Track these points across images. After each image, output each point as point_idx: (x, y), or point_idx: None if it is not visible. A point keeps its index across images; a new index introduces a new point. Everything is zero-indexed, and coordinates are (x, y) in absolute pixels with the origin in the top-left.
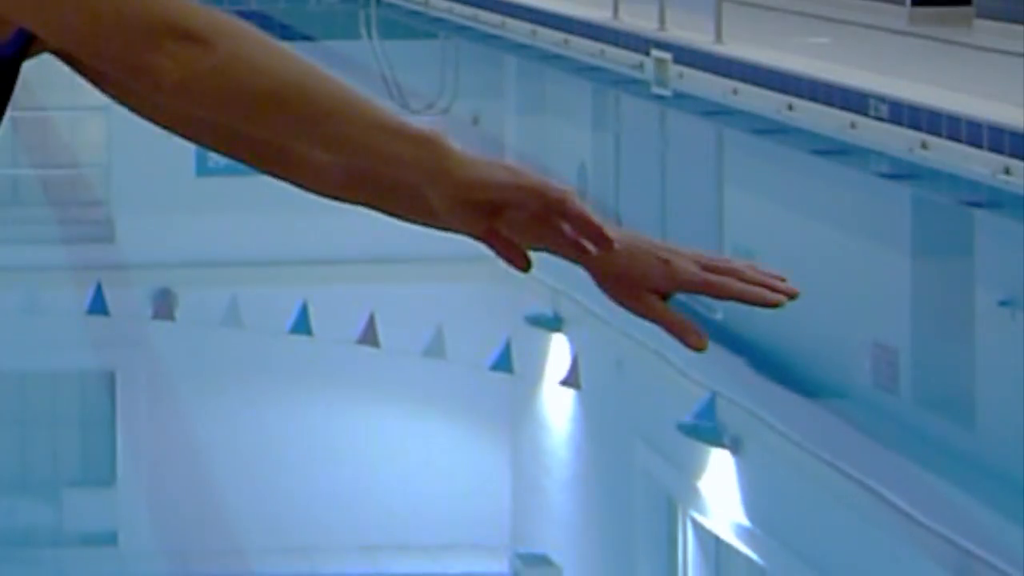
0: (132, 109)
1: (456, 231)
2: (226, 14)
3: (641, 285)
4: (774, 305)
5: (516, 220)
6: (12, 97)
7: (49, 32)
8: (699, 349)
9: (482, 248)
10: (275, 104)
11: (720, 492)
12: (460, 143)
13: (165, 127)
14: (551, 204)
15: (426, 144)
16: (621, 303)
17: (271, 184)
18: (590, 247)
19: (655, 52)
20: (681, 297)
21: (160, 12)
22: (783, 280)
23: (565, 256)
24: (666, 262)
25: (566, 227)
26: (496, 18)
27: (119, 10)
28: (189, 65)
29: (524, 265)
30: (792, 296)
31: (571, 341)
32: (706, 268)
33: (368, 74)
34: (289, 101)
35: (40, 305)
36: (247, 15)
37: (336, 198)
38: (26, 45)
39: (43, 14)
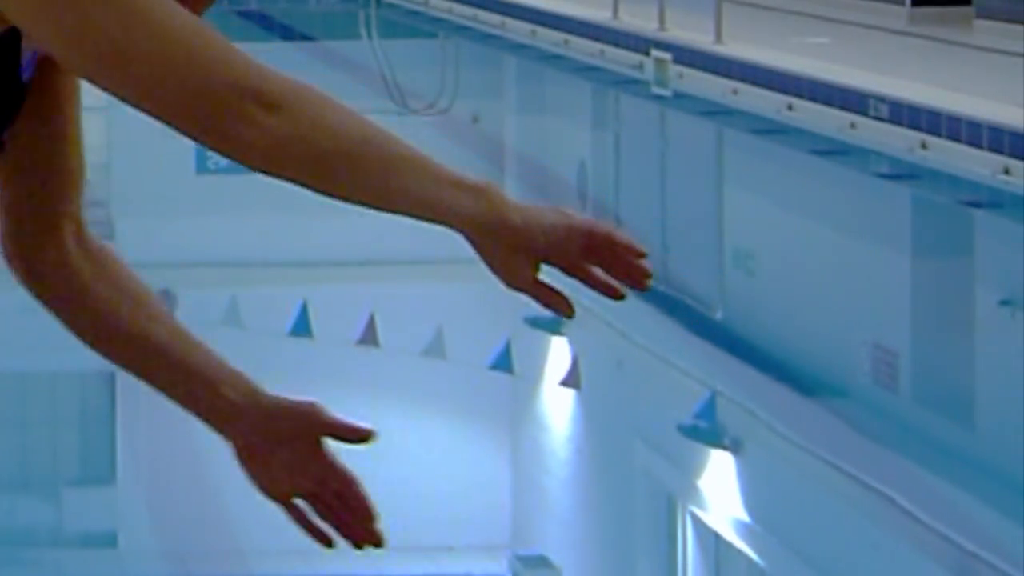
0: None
1: (504, 281)
2: (292, 77)
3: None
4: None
5: (562, 257)
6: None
7: (131, 94)
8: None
9: None
10: (348, 165)
11: (720, 492)
12: (460, 143)
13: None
14: (598, 238)
15: (484, 195)
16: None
17: (271, 184)
18: (625, 284)
19: (655, 52)
20: (679, 295)
21: (242, 79)
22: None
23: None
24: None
25: (598, 270)
26: (496, 18)
27: (205, 77)
28: (272, 133)
29: (570, 310)
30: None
31: (571, 342)
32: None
33: (368, 74)
34: (360, 161)
35: (40, 305)
36: (247, 15)
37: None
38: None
39: (128, 79)
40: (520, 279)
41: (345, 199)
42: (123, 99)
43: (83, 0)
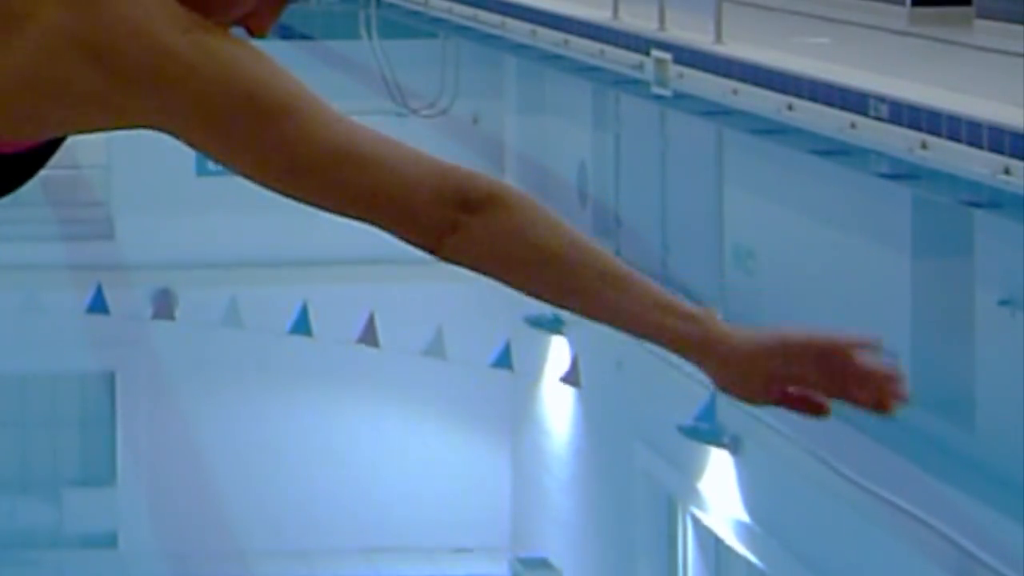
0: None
1: (740, 398)
2: (498, 180)
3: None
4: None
5: (801, 376)
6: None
7: (342, 210)
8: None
9: None
10: (555, 271)
11: (720, 493)
12: (460, 143)
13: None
14: (837, 351)
15: (695, 320)
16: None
17: None
18: (877, 404)
19: (655, 52)
20: (679, 296)
21: (443, 188)
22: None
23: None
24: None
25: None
26: (496, 18)
27: (409, 197)
28: (469, 234)
29: (825, 411)
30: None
31: (571, 342)
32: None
33: (368, 74)
34: (566, 270)
35: (40, 305)
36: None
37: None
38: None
39: (341, 204)
40: (761, 397)
41: (555, 303)
42: (335, 212)
43: (291, 140)
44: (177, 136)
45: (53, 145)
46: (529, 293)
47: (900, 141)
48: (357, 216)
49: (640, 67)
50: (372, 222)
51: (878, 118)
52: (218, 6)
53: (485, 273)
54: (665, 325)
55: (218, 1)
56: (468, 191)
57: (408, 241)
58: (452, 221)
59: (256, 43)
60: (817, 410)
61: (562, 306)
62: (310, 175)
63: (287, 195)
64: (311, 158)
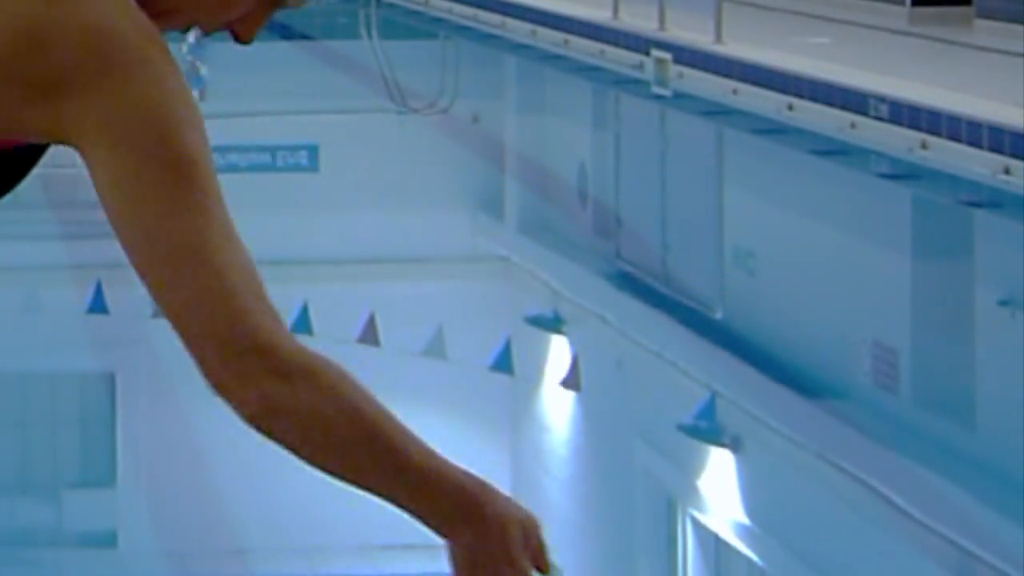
0: None
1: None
2: (317, 354)
3: None
4: None
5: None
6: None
7: (158, 295)
8: None
9: (481, 248)
10: (338, 454)
11: (720, 492)
12: (460, 143)
13: None
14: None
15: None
16: None
17: (271, 184)
18: None
19: (655, 52)
20: (679, 296)
21: (259, 335)
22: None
23: None
24: None
25: None
26: (496, 18)
27: (229, 318)
28: (269, 401)
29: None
30: None
31: (571, 341)
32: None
33: (368, 74)
34: (358, 461)
35: (40, 305)
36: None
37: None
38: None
39: (163, 285)
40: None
41: (343, 480)
42: (150, 291)
43: (165, 198)
44: (79, 149)
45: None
46: (313, 465)
47: (900, 141)
48: (169, 315)
49: (640, 67)
50: (186, 332)
51: (878, 118)
52: (209, 11)
53: (265, 434)
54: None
55: (209, 6)
56: (278, 353)
57: (204, 368)
58: (249, 374)
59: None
60: None
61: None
62: (157, 253)
63: (131, 261)
64: (169, 241)
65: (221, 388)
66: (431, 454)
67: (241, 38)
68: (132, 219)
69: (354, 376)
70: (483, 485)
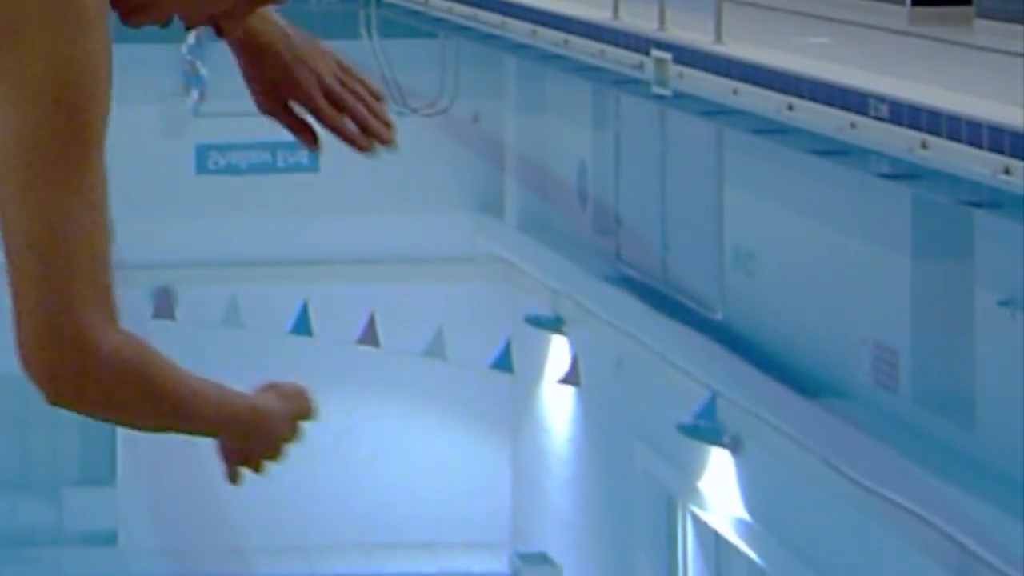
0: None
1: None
2: (124, 340)
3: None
4: (361, 149)
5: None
6: None
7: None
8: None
9: (481, 248)
10: (131, 422)
11: (720, 491)
12: (460, 143)
13: None
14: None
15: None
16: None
17: (271, 184)
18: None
19: (655, 52)
20: (679, 296)
21: (78, 332)
22: (388, 127)
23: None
24: (294, 73)
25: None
26: (496, 18)
27: (66, 280)
28: (74, 395)
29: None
30: (385, 142)
31: (571, 341)
32: (327, 93)
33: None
34: (147, 421)
35: None
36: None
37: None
38: None
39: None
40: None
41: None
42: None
43: (48, 163)
44: None
45: None
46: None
47: (900, 141)
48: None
49: (640, 67)
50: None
51: (878, 118)
52: (187, 4)
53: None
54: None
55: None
56: (96, 332)
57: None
58: (105, 321)
59: None
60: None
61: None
62: (10, 211)
63: None
64: (33, 207)
65: (29, 368)
66: (218, 402)
67: (225, 33)
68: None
69: (154, 351)
70: (254, 408)
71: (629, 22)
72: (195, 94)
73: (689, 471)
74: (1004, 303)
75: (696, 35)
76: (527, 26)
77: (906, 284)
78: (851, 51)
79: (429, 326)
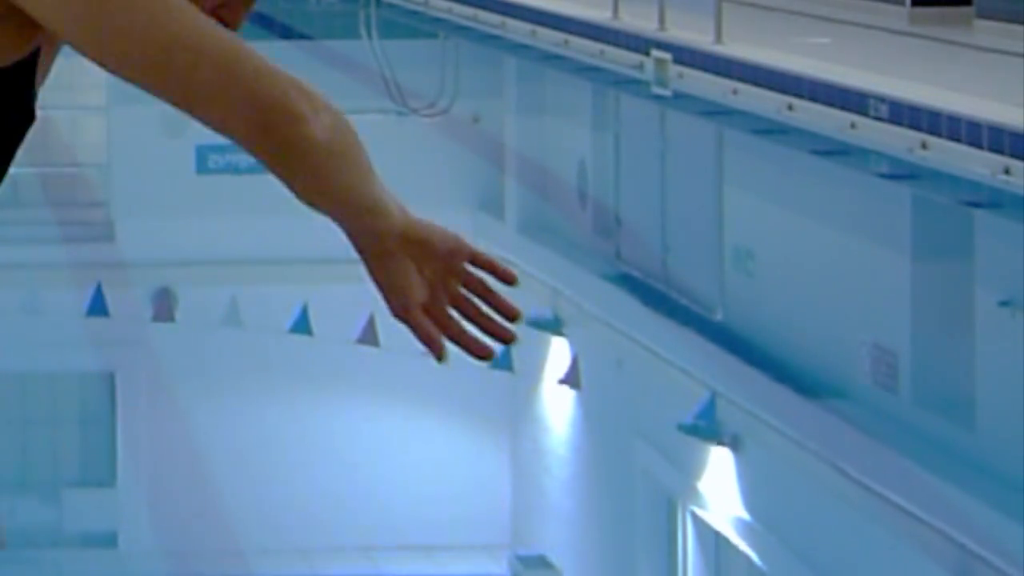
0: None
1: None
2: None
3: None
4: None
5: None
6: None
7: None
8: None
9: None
10: (350, 165)
11: (720, 491)
12: (460, 143)
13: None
14: (480, 260)
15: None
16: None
17: (271, 184)
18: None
19: (655, 52)
20: (679, 298)
21: (274, 93)
22: (513, 316)
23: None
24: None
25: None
26: (496, 18)
27: (270, 66)
28: (325, 122)
29: (442, 353)
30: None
31: (571, 341)
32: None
33: (368, 74)
34: (357, 161)
35: (40, 305)
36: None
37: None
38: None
39: (179, 63)
40: (411, 299)
41: (320, 198)
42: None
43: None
44: None
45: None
46: (324, 191)
47: (900, 141)
48: (201, 91)
49: (640, 67)
50: (216, 102)
51: (878, 118)
52: None
53: (311, 174)
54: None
55: None
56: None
57: (257, 127)
58: (314, 107)
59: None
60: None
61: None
62: (154, 38)
63: (117, 67)
64: (158, 22)
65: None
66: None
67: (228, 24)
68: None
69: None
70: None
71: (629, 22)
72: None
73: (689, 471)
74: (1004, 303)
75: (696, 35)
76: (527, 26)
77: (906, 284)
78: (851, 51)
79: None
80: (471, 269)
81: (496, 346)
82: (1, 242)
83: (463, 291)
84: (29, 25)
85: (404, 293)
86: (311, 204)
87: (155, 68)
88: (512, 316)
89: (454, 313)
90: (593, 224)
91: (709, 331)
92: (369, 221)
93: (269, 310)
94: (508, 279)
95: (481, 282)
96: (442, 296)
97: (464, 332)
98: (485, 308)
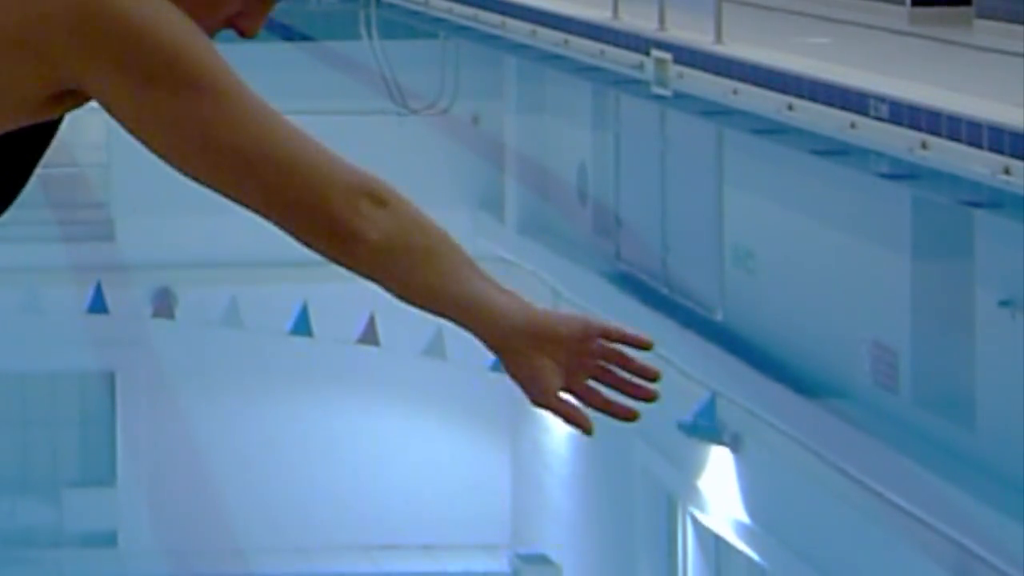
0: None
1: (530, 392)
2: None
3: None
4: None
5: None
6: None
7: (257, 201)
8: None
9: (482, 248)
10: (431, 260)
11: (720, 490)
12: (460, 143)
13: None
14: (613, 334)
15: (518, 299)
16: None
17: None
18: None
19: (655, 52)
20: (679, 297)
21: (355, 179)
22: (653, 377)
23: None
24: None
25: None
26: (496, 18)
27: (326, 181)
28: (381, 225)
29: (589, 427)
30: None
31: None
32: (592, 374)
33: (368, 74)
34: (442, 258)
35: (40, 305)
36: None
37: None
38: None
39: (250, 185)
40: (546, 387)
41: (414, 295)
42: (246, 205)
43: (208, 117)
44: (100, 99)
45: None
46: (412, 288)
47: (900, 141)
48: (272, 210)
49: (640, 67)
50: (286, 220)
51: (878, 118)
52: (205, 5)
53: (381, 266)
54: (497, 303)
55: (195, 5)
56: (376, 185)
57: (320, 241)
58: (365, 212)
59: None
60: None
61: (412, 299)
62: (225, 159)
63: (205, 183)
64: (227, 141)
65: (342, 240)
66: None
67: (245, 33)
68: (188, 141)
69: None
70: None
71: (629, 22)
72: None
73: (689, 471)
74: (1004, 303)
75: (696, 35)
76: (527, 26)
77: (906, 284)
78: (851, 51)
79: (429, 326)
80: (606, 344)
81: (637, 405)
82: (1, 242)
83: (601, 363)
84: (81, 99)
85: (539, 385)
86: (412, 305)
87: (240, 185)
88: (653, 377)
89: (594, 384)
90: (593, 224)
91: (709, 331)
92: (482, 321)
93: (269, 310)
94: (643, 345)
95: (619, 353)
96: (581, 374)
97: (608, 401)
98: (623, 374)
